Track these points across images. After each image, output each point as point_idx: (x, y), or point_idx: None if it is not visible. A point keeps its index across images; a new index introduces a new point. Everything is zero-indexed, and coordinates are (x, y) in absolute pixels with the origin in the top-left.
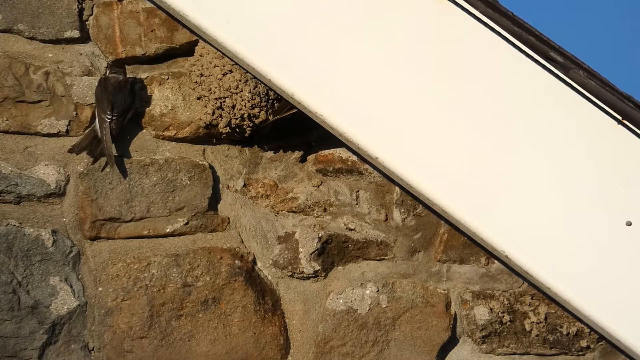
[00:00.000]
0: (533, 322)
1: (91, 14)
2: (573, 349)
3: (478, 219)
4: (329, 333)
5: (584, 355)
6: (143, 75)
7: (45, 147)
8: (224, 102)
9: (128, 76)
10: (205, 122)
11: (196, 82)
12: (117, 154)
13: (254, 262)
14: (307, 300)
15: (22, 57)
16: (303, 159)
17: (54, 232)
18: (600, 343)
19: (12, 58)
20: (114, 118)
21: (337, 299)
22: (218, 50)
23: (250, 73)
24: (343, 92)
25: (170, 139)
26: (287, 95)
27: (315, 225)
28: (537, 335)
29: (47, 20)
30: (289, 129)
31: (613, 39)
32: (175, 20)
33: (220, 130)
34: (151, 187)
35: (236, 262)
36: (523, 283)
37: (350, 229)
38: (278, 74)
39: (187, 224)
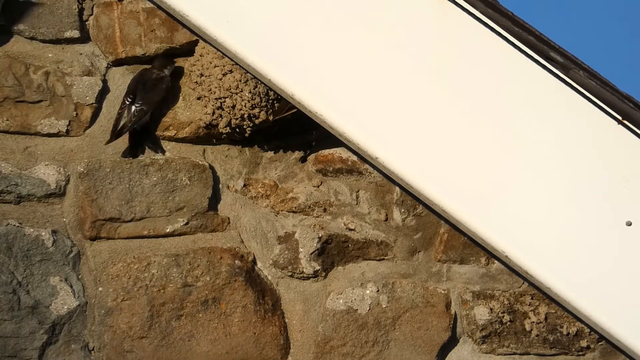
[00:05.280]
0: (533, 322)
1: (91, 14)
2: (573, 349)
3: (478, 219)
4: (329, 333)
5: (584, 355)
6: None
7: (45, 147)
8: (224, 102)
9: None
10: (205, 122)
11: (196, 82)
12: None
13: (254, 262)
14: (307, 300)
15: (22, 57)
16: (303, 159)
17: (54, 232)
18: (600, 343)
19: (12, 58)
20: (135, 105)
21: (337, 299)
22: (218, 50)
23: (250, 73)
24: (343, 92)
25: (170, 139)
26: (287, 95)
27: (315, 225)
28: (537, 335)
29: (47, 20)
30: (289, 129)
31: (613, 39)
32: (175, 20)
33: (220, 130)
34: (151, 187)
35: (236, 262)
36: (523, 283)
37: (350, 229)
38: (278, 74)
39: (187, 224)
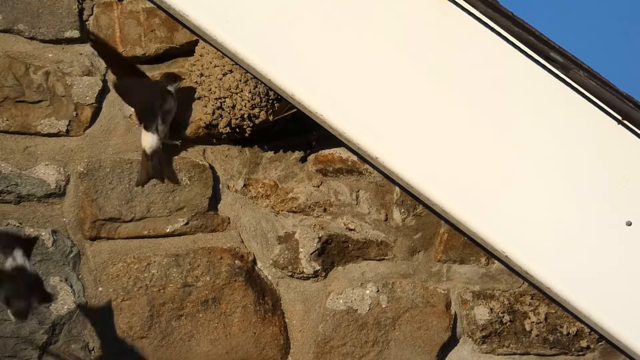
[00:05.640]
0: (533, 322)
1: (91, 14)
2: (573, 349)
3: (478, 219)
4: (329, 333)
5: (584, 355)
6: None
7: (45, 147)
8: (224, 102)
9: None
10: (205, 122)
11: (196, 82)
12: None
13: (254, 262)
14: (307, 300)
15: (22, 57)
16: (303, 159)
17: (54, 232)
18: (600, 343)
19: (12, 58)
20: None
21: (337, 299)
22: (218, 50)
23: (250, 73)
24: (343, 92)
25: None
26: (287, 95)
27: (315, 225)
28: (537, 335)
29: (47, 20)
30: (289, 129)
31: (613, 39)
32: (175, 20)
33: (221, 130)
34: (151, 187)
35: (236, 262)
36: (523, 283)
37: (350, 229)
38: (278, 74)
39: (187, 224)
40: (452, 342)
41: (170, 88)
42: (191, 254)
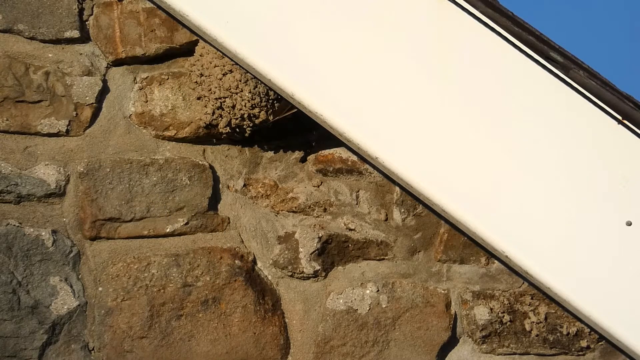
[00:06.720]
0: (533, 322)
1: (91, 14)
2: (573, 349)
3: (478, 219)
4: (329, 333)
5: (584, 355)
6: (143, 75)
7: (45, 147)
8: (224, 102)
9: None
10: (205, 122)
11: (196, 82)
12: None
13: (254, 262)
14: (307, 300)
15: (22, 57)
16: (303, 159)
17: (54, 232)
18: (600, 343)
19: (12, 58)
20: None
21: (337, 298)
22: (218, 50)
23: (250, 73)
24: (343, 92)
25: (170, 139)
26: (287, 95)
27: (315, 225)
28: (537, 335)
29: (47, 20)
30: (289, 128)
31: (613, 39)
32: (175, 20)
33: (220, 130)
34: (151, 187)
35: (236, 262)
36: (523, 283)
37: (350, 229)
38: (278, 74)
39: (187, 224)
40: (452, 342)
41: None
42: (191, 254)
